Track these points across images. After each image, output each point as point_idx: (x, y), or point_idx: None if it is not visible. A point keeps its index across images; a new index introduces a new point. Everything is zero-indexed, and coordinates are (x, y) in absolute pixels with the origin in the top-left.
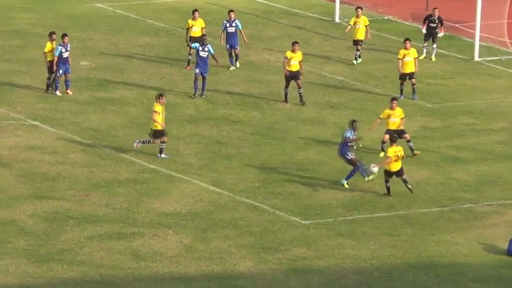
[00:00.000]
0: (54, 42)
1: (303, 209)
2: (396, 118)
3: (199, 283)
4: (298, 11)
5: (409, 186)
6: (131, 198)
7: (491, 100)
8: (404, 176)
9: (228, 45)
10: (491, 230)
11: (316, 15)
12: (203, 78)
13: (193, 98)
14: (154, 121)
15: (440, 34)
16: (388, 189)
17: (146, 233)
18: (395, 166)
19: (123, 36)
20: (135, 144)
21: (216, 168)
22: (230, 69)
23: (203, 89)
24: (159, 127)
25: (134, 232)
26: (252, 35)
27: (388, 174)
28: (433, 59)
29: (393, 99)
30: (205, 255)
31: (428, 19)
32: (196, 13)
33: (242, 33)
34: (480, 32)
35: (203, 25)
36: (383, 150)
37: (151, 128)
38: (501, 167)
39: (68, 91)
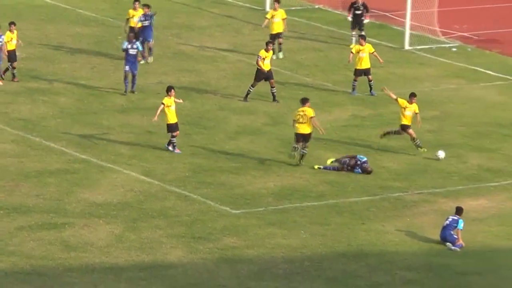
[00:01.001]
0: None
1: (233, 199)
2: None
3: (130, 273)
4: (229, 0)
5: (302, 162)
6: (62, 188)
7: (421, 88)
8: (306, 146)
9: (141, 38)
10: (421, 219)
11: (247, 5)
12: (133, 75)
13: (124, 95)
14: (164, 113)
15: (366, 21)
16: (294, 148)
17: (76, 223)
18: (303, 129)
19: (54, 26)
20: (176, 150)
21: (146, 158)
22: (141, 62)
23: (133, 85)
24: (171, 121)
25: (65, 222)
26: (183, 24)
27: (296, 136)
28: None
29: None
30: (135, 245)
31: (352, 6)
32: (137, 3)
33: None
34: (411, 20)
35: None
36: (419, 146)
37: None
38: (431, 156)
39: None
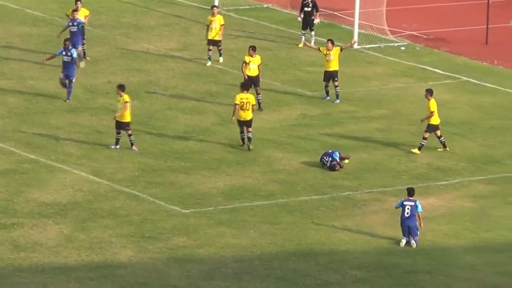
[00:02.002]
0: None
1: (183, 198)
2: None
3: (80, 273)
4: None
5: (250, 146)
6: (11, 188)
7: (370, 87)
8: (250, 131)
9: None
10: (371, 218)
11: (195, 4)
12: (69, 82)
13: (66, 101)
14: None
15: (316, 21)
16: (242, 140)
17: (25, 224)
18: (246, 115)
19: (1, 26)
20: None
21: (96, 157)
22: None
23: (69, 93)
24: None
25: (14, 222)
26: (131, 24)
27: (238, 123)
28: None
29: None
30: (85, 245)
31: (302, 3)
32: (79, 3)
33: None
34: (359, 19)
35: (86, 13)
36: (444, 144)
37: None
38: (381, 155)
39: None
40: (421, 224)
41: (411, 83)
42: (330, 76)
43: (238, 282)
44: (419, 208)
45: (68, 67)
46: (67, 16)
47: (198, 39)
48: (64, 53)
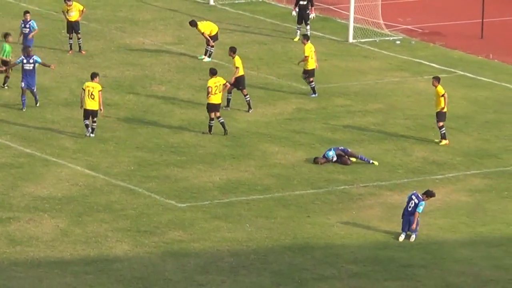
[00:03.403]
0: None
1: (178, 192)
2: None
3: (75, 267)
4: None
5: (222, 122)
6: (6, 182)
7: (365, 81)
8: (219, 115)
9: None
10: (367, 212)
11: None
12: (31, 91)
13: (23, 111)
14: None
15: (312, 15)
16: (210, 127)
17: (21, 218)
18: (216, 99)
19: None
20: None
21: (91, 151)
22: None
23: (36, 101)
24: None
25: (10, 216)
26: (126, 18)
27: (210, 108)
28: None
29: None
30: (81, 239)
31: None
32: None
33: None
34: (354, 13)
35: (81, 8)
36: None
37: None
38: (376, 149)
39: None
40: (414, 225)
41: (406, 77)
42: (313, 72)
43: (234, 276)
44: (419, 208)
45: (29, 75)
46: (63, 12)
47: (193, 33)
48: (25, 61)
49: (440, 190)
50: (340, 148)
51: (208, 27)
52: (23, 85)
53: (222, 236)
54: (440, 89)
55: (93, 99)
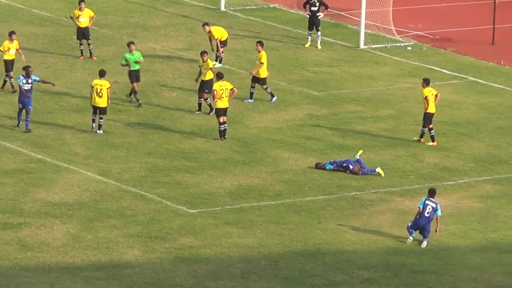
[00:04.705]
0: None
1: (189, 198)
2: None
3: (86, 273)
4: None
5: (225, 129)
6: (18, 188)
7: (377, 87)
8: (226, 120)
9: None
10: (378, 218)
11: (201, 4)
12: (26, 112)
13: (17, 128)
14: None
15: (321, 15)
16: (220, 132)
17: (33, 223)
18: (223, 103)
19: (8, 26)
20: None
21: (102, 157)
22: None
23: (26, 125)
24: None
25: (21, 222)
26: (138, 24)
27: (218, 112)
28: (319, 47)
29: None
30: (92, 245)
31: (308, 2)
32: (82, 3)
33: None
34: (366, 19)
35: (91, 15)
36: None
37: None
38: (388, 154)
39: None
40: (437, 229)
41: (417, 83)
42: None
43: (245, 282)
44: (439, 212)
45: (26, 96)
46: (71, 18)
47: (204, 39)
48: (24, 81)
49: (451, 196)
50: (343, 165)
51: (219, 32)
52: (20, 106)
53: (233, 242)
54: (426, 91)
55: (101, 96)
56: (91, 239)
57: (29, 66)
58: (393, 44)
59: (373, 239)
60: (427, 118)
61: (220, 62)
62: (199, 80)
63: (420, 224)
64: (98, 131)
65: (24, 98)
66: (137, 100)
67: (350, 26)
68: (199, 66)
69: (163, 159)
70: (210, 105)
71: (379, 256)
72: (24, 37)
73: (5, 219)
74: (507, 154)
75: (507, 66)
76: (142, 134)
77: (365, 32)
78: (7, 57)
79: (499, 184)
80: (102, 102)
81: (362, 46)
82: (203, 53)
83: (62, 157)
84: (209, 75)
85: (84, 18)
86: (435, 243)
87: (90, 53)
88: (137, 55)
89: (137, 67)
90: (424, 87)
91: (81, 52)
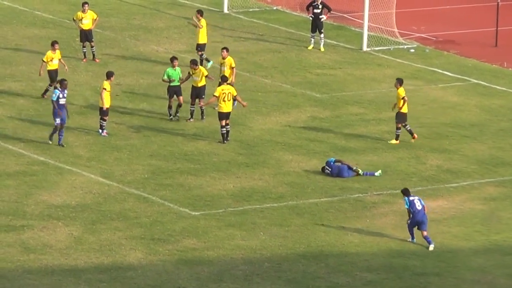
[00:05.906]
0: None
1: (192, 200)
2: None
3: (89, 275)
4: (186, 2)
5: (228, 131)
6: (20, 190)
7: (379, 90)
8: (228, 123)
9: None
10: (381, 220)
11: (204, 6)
12: (62, 126)
13: (49, 143)
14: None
15: (323, 18)
16: (223, 135)
17: (35, 226)
18: (226, 107)
19: (11, 28)
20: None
21: (105, 159)
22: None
23: (60, 138)
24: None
25: (24, 224)
26: (140, 26)
27: (220, 116)
28: (322, 49)
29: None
30: (95, 247)
31: (311, 5)
32: (86, 5)
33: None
34: (369, 22)
35: (94, 17)
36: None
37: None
38: (390, 157)
39: None
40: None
41: (420, 86)
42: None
43: (248, 285)
44: (422, 202)
45: (63, 109)
46: (74, 20)
47: (207, 41)
48: (61, 95)
49: (454, 198)
50: (340, 166)
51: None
52: (57, 122)
53: (236, 244)
54: (401, 91)
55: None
56: (94, 241)
57: (65, 80)
58: (396, 47)
59: (376, 241)
60: (402, 117)
61: (208, 61)
62: (184, 82)
63: (419, 220)
64: (99, 131)
65: (62, 112)
66: (175, 114)
67: (353, 29)
68: (190, 73)
69: (166, 161)
70: (202, 111)
71: (382, 258)
72: (27, 39)
73: (8, 221)
74: (510, 156)
75: (510, 68)
76: (145, 136)
77: (368, 35)
78: (50, 67)
79: (502, 186)
80: (101, 103)
81: (365, 48)
82: (193, 62)
83: (65, 159)
84: (202, 82)
85: (87, 20)
86: (438, 245)
87: (93, 55)
88: (178, 71)
89: (177, 83)
90: (398, 87)
91: (84, 55)
